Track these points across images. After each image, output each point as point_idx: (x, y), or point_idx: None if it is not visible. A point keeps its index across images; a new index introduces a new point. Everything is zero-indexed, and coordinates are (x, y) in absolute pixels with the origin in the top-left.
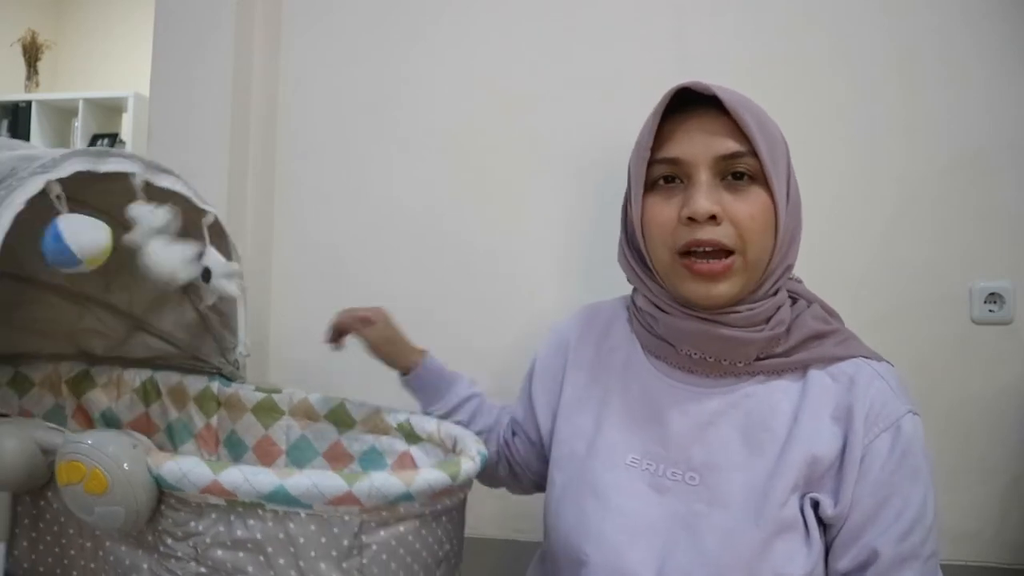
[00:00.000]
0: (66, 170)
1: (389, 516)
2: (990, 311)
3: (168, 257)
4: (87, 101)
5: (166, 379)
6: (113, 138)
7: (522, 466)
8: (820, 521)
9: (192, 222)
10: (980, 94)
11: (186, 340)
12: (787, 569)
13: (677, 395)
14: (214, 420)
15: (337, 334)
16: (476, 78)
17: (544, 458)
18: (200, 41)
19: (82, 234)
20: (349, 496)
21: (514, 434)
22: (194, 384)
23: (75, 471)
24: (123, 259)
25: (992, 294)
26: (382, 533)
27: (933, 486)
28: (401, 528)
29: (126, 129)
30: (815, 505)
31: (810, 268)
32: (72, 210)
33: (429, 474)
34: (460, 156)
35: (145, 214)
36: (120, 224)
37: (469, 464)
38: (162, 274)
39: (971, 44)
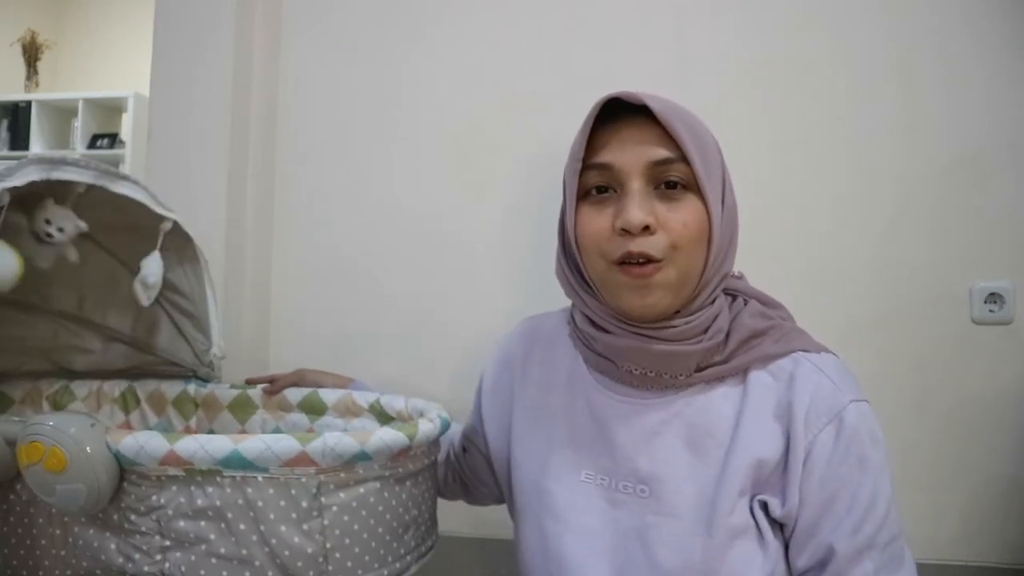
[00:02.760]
0: (21, 179)
1: (348, 478)
2: (990, 311)
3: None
4: (87, 101)
5: (144, 387)
6: (113, 138)
7: (472, 479)
8: (774, 521)
9: (151, 228)
10: (980, 94)
11: (161, 346)
12: (746, 574)
13: (621, 410)
14: (192, 421)
15: (278, 387)
16: (476, 78)
17: (495, 474)
18: (200, 41)
19: None
20: (303, 456)
21: (465, 450)
22: (171, 389)
23: (35, 451)
24: (95, 274)
25: (992, 294)
26: (342, 495)
27: (887, 469)
28: (361, 490)
29: (126, 129)
30: (764, 507)
31: (811, 268)
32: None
33: (386, 434)
34: (460, 156)
35: (40, 226)
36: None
37: (428, 426)
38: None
39: (971, 44)
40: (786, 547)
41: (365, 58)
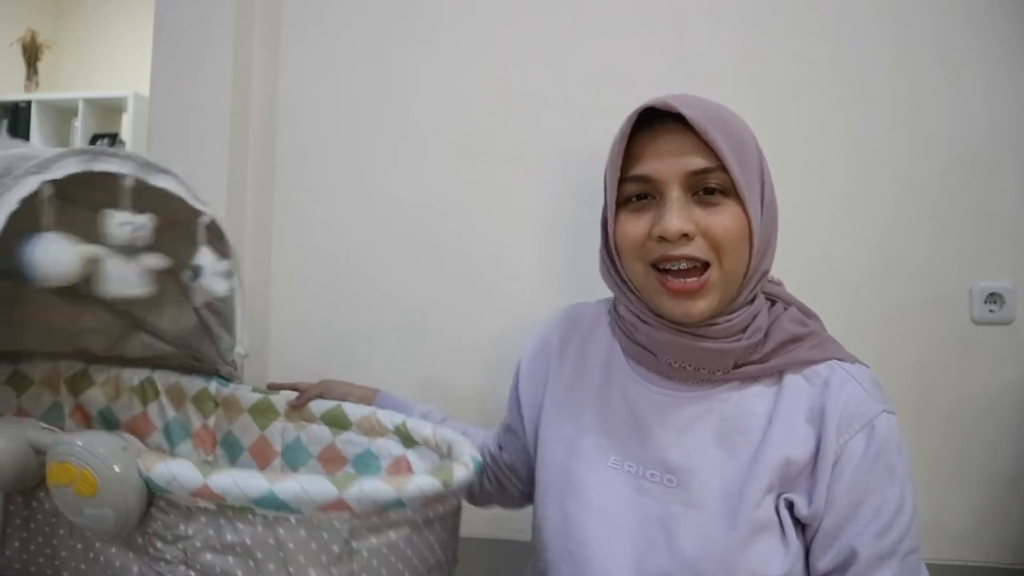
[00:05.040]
0: (60, 171)
1: (380, 522)
2: (990, 311)
3: (118, 277)
4: (87, 101)
5: (164, 379)
6: (113, 138)
7: (508, 475)
8: (797, 521)
9: (188, 223)
10: (980, 94)
11: (184, 340)
12: (765, 570)
13: (656, 400)
14: (211, 420)
15: (303, 400)
16: (476, 78)
17: (531, 465)
18: (200, 41)
19: (49, 259)
20: (340, 502)
21: (501, 448)
22: (192, 384)
23: (65, 472)
24: None
25: (992, 294)
26: (373, 540)
27: (911, 481)
28: (392, 535)
29: (126, 129)
30: (790, 506)
31: (811, 268)
32: (67, 209)
33: (422, 481)
34: (460, 156)
35: (111, 228)
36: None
37: (462, 471)
38: (109, 292)
39: (971, 44)
40: (807, 551)
41: (365, 58)
